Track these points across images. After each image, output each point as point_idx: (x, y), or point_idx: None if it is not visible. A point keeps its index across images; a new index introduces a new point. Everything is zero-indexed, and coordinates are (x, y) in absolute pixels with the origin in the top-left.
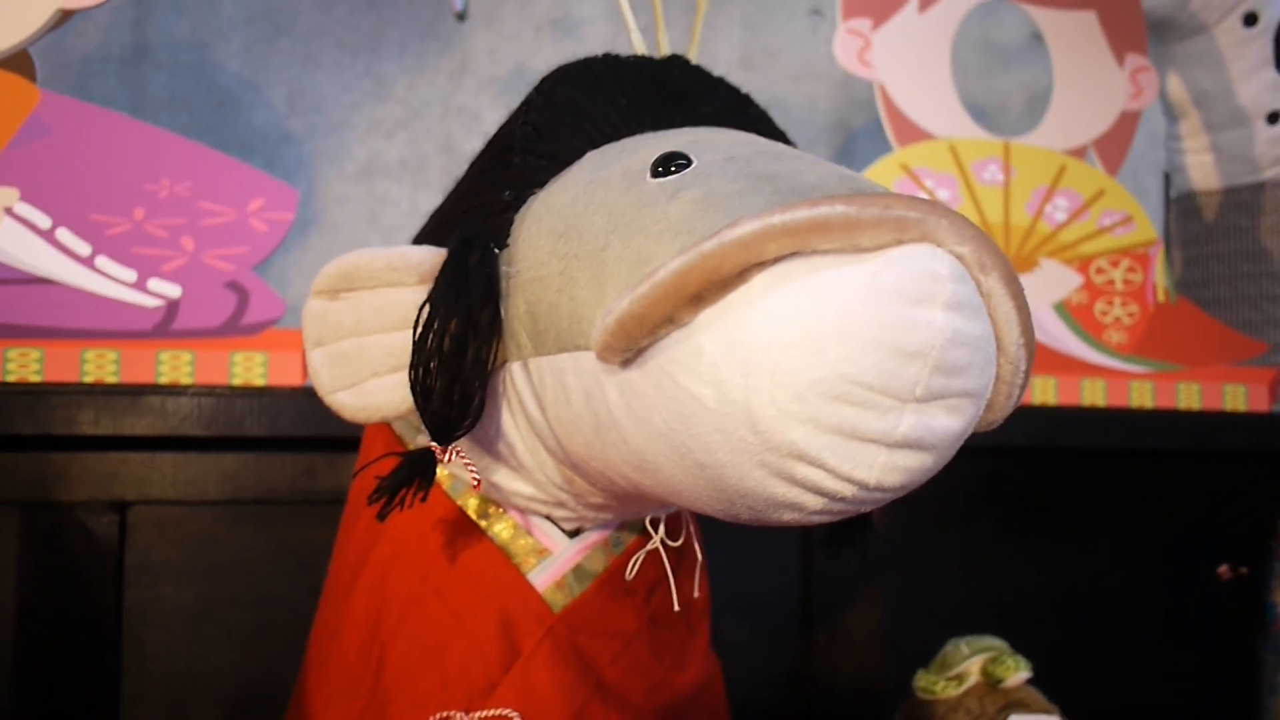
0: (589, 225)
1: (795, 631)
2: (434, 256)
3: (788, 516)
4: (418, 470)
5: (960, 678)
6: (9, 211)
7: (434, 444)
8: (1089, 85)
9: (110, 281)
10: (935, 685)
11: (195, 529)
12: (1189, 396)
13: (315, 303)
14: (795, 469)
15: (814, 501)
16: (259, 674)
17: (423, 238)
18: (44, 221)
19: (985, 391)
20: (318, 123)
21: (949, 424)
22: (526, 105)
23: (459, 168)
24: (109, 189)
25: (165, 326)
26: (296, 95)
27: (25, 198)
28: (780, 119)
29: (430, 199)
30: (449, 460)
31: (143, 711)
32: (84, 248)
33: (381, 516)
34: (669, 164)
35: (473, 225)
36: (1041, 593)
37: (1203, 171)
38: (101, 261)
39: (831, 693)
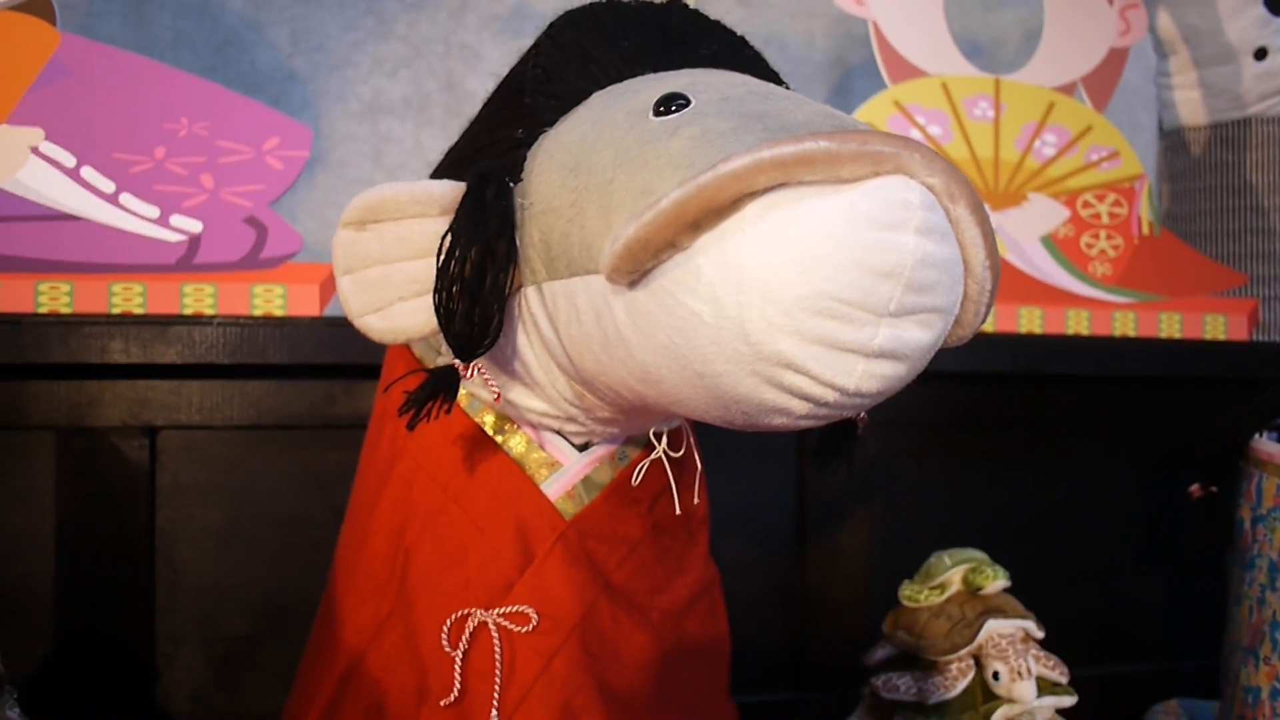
0: (597, 160)
1: (789, 549)
2: (454, 190)
3: (777, 421)
4: (442, 386)
5: (942, 586)
6: (35, 151)
7: (457, 362)
8: (1079, 22)
9: (134, 218)
10: (919, 594)
11: (221, 452)
12: (1170, 326)
13: (344, 233)
14: (783, 376)
15: (800, 406)
16: (283, 588)
17: (439, 173)
18: (69, 160)
19: (953, 308)
20: (321, 61)
21: (920, 336)
22: (536, 49)
23: (462, 105)
24: (130, 128)
25: (188, 260)
26: (299, 34)
27: (50, 137)
28: (777, 57)
29: (433, 136)
30: (470, 377)
31: (176, 624)
32: (108, 185)
33: (411, 427)
34: (669, 104)
35: (488, 162)
36: (1025, 513)
37: (1190, 107)
38: (125, 198)
39: (823, 605)
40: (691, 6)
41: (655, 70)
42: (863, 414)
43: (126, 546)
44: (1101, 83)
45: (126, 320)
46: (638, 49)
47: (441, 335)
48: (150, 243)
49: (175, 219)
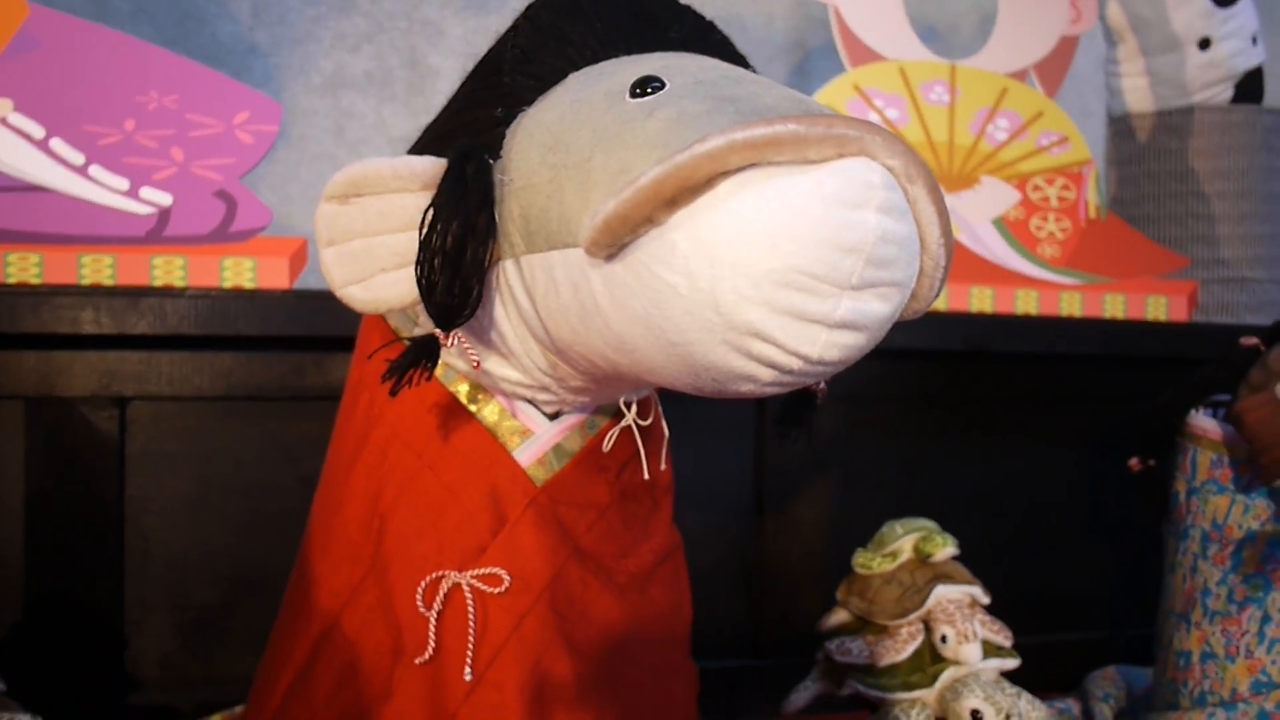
0: (575, 139)
1: (748, 520)
2: (435, 166)
3: (745, 388)
4: (423, 354)
5: (894, 554)
6: (3, 122)
7: (437, 331)
8: (1032, 10)
9: (103, 190)
10: (872, 561)
11: (191, 423)
12: (1115, 306)
13: (327, 207)
14: (752, 345)
15: (767, 374)
16: (252, 556)
17: (419, 149)
18: (38, 131)
19: (910, 282)
20: (283, 35)
21: (879, 309)
22: (514, 30)
23: (424, 81)
24: (100, 101)
25: (158, 233)
26: (261, 7)
27: (19, 108)
28: (737, 37)
29: (395, 112)
30: (450, 346)
31: (145, 591)
32: (77, 157)
33: (393, 393)
34: (645, 86)
35: (468, 139)
36: (975, 486)
37: (1137, 95)
38: (95, 170)
39: (781, 575)
40: None
41: (629, 52)
42: (822, 385)
43: (96, 515)
44: (1053, 69)
45: (98, 291)
46: (612, 31)
47: (421, 306)
48: (120, 215)
49: (145, 191)
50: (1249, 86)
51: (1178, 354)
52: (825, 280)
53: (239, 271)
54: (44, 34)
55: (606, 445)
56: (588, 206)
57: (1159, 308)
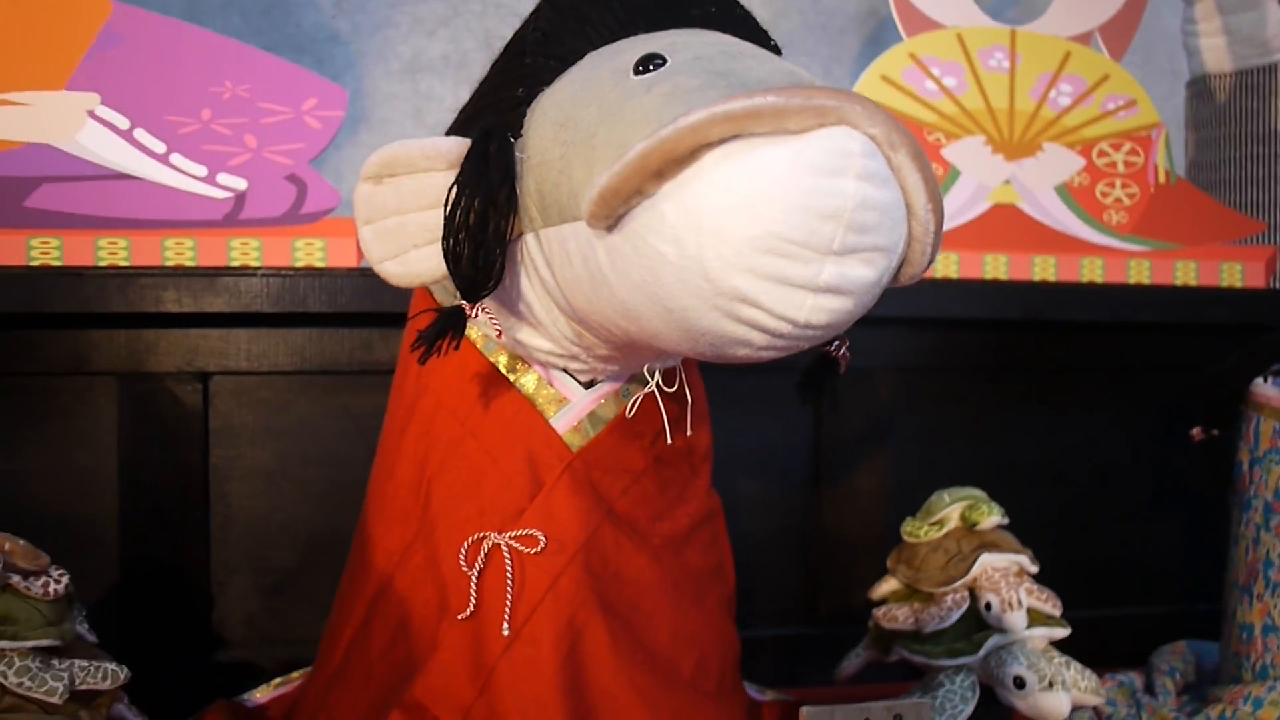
0: (583, 116)
1: (805, 490)
2: (460, 145)
3: (741, 351)
4: (450, 324)
5: (941, 522)
6: (92, 114)
7: (464, 302)
8: None
9: (184, 176)
10: (920, 530)
11: (267, 396)
12: (1186, 273)
13: (363, 187)
14: (740, 310)
15: (759, 338)
16: (326, 522)
17: (453, 130)
18: (123, 123)
19: (896, 247)
20: (363, 22)
21: (864, 273)
22: (536, 13)
23: None
24: (179, 92)
25: (234, 216)
26: None
27: (106, 101)
28: (810, 8)
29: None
30: (475, 317)
31: (228, 554)
32: (159, 146)
33: (422, 361)
34: (648, 63)
35: (492, 119)
36: (1037, 457)
37: (1215, 54)
38: (176, 158)
39: (838, 545)
40: None
41: (647, 30)
42: (844, 351)
43: (183, 484)
44: (1120, 31)
45: (179, 272)
46: (631, 11)
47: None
48: (199, 199)
49: (222, 177)
50: None
51: (1251, 321)
52: (806, 246)
53: (310, 251)
54: (126, 31)
55: (630, 411)
56: (592, 180)
57: (1234, 274)
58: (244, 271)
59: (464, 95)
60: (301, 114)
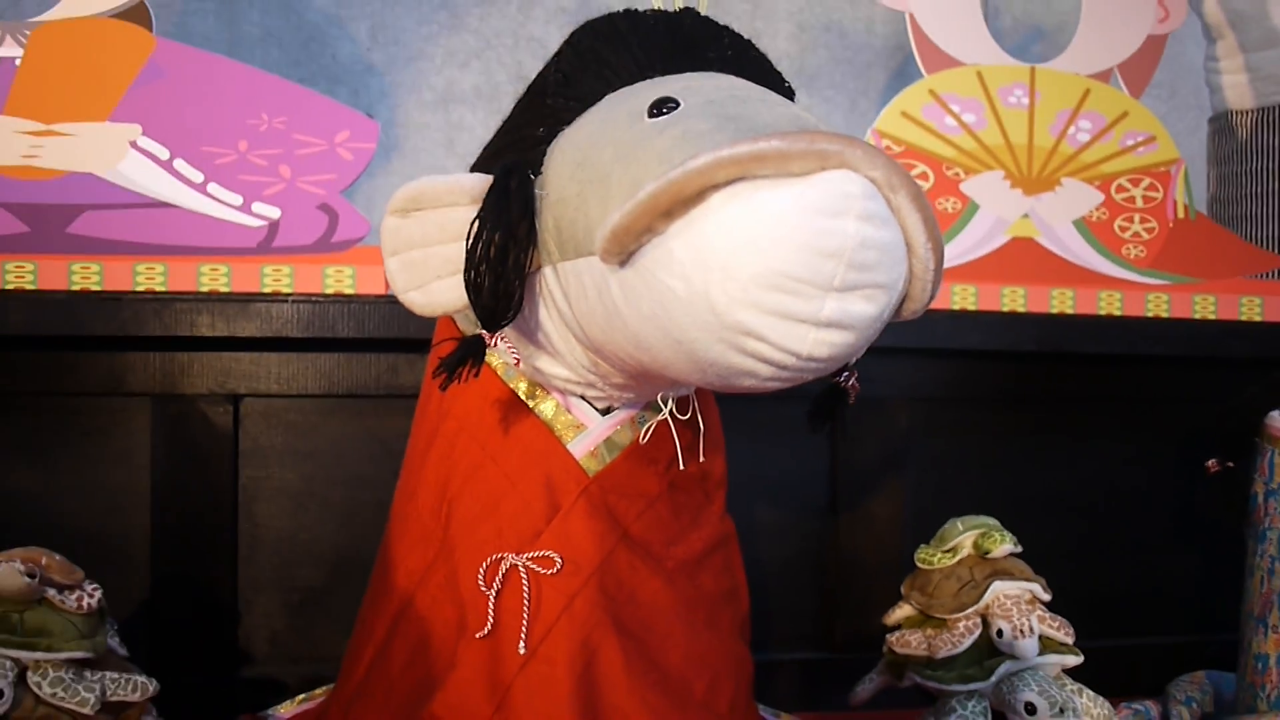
0: (599, 156)
1: (823, 517)
2: (482, 182)
3: (747, 382)
4: (470, 352)
5: (954, 550)
6: (133, 145)
7: (483, 331)
8: (1116, 9)
9: (220, 205)
10: (933, 557)
11: (296, 418)
12: (1205, 307)
13: (390, 220)
14: (745, 343)
15: (764, 369)
16: (351, 542)
17: (479, 165)
18: (163, 153)
19: (896, 284)
20: (397, 54)
21: (865, 309)
22: (558, 55)
23: None
24: (217, 124)
25: (267, 244)
26: (378, 28)
27: (147, 132)
28: (837, 44)
29: None
30: (495, 345)
31: (256, 573)
32: (197, 175)
33: (443, 388)
34: (662, 106)
35: (513, 156)
36: (1052, 487)
37: (1237, 91)
38: (213, 187)
39: (854, 571)
40: (703, 13)
41: (665, 73)
42: (853, 382)
43: (213, 503)
44: (1139, 69)
45: (213, 298)
46: (649, 54)
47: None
48: (234, 227)
49: (256, 206)
50: None
51: (1270, 355)
52: (808, 283)
53: (340, 278)
54: (168, 65)
55: (644, 438)
56: (606, 218)
57: (1253, 308)
58: (275, 298)
59: (495, 126)
60: (335, 145)
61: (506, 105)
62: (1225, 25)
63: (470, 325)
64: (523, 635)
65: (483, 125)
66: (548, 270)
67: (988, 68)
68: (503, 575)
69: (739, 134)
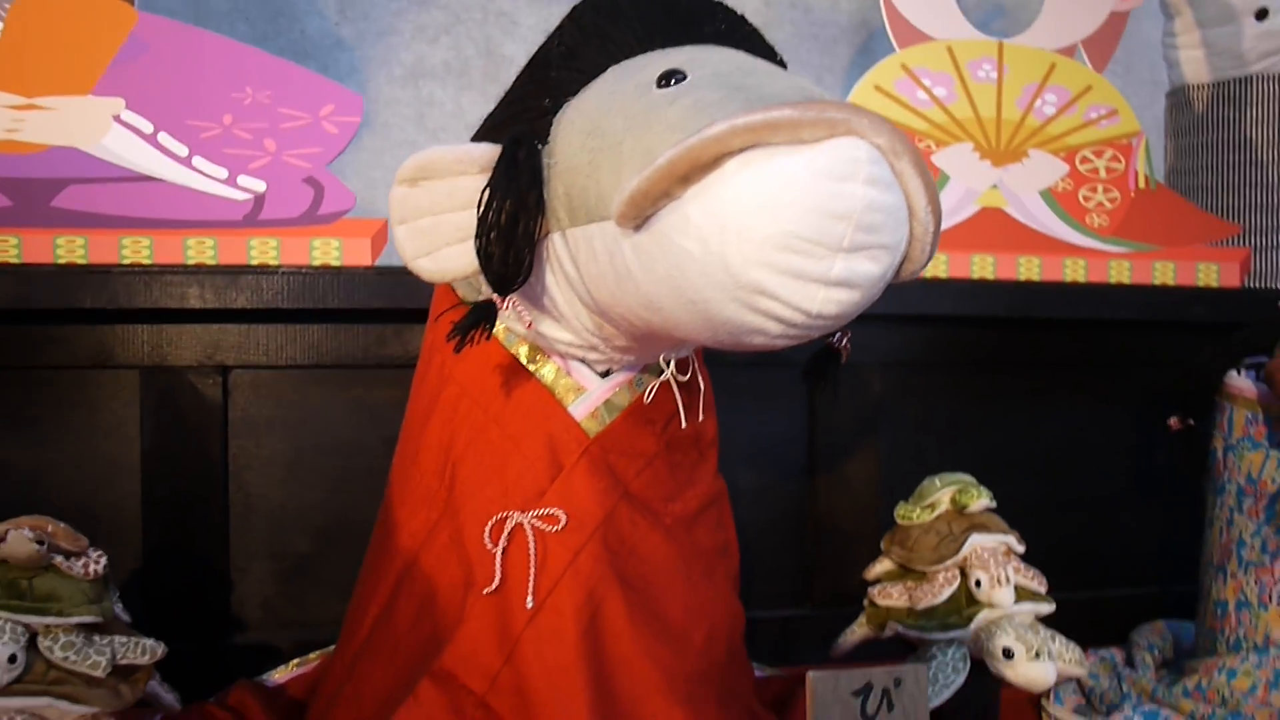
0: (610, 126)
1: (801, 479)
2: (491, 151)
3: (757, 340)
4: (482, 316)
5: (933, 506)
6: (117, 119)
7: (495, 296)
8: None
9: (205, 178)
10: (912, 513)
11: (285, 389)
12: (1165, 274)
13: (398, 189)
14: (758, 301)
15: (774, 327)
16: (341, 509)
17: (479, 137)
18: (147, 127)
19: (900, 245)
20: (367, 29)
21: (871, 269)
22: (560, 29)
23: (499, 70)
24: (201, 98)
25: (253, 216)
26: (346, 3)
27: (130, 106)
28: (802, 19)
29: (473, 100)
30: (506, 309)
31: (247, 540)
32: (182, 149)
33: (457, 350)
34: (670, 78)
35: (520, 127)
36: (1021, 448)
37: (1194, 66)
38: (198, 161)
39: (832, 531)
40: None
41: (664, 47)
42: (845, 343)
43: (203, 473)
44: (1102, 44)
45: (202, 270)
46: (648, 28)
47: (481, 275)
48: (220, 201)
49: (242, 179)
50: None
51: (1226, 318)
52: (819, 243)
53: (326, 251)
54: (151, 39)
55: (647, 398)
56: (619, 184)
57: (1210, 274)
58: (265, 270)
59: (465, 101)
60: (319, 119)
61: (477, 80)
62: (1183, 2)
63: (471, 292)
64: (530, 589)
65: (453, 100)
66: (556, 236)
67: (958, 42)
68: (509, 533)
69: (748, 104)
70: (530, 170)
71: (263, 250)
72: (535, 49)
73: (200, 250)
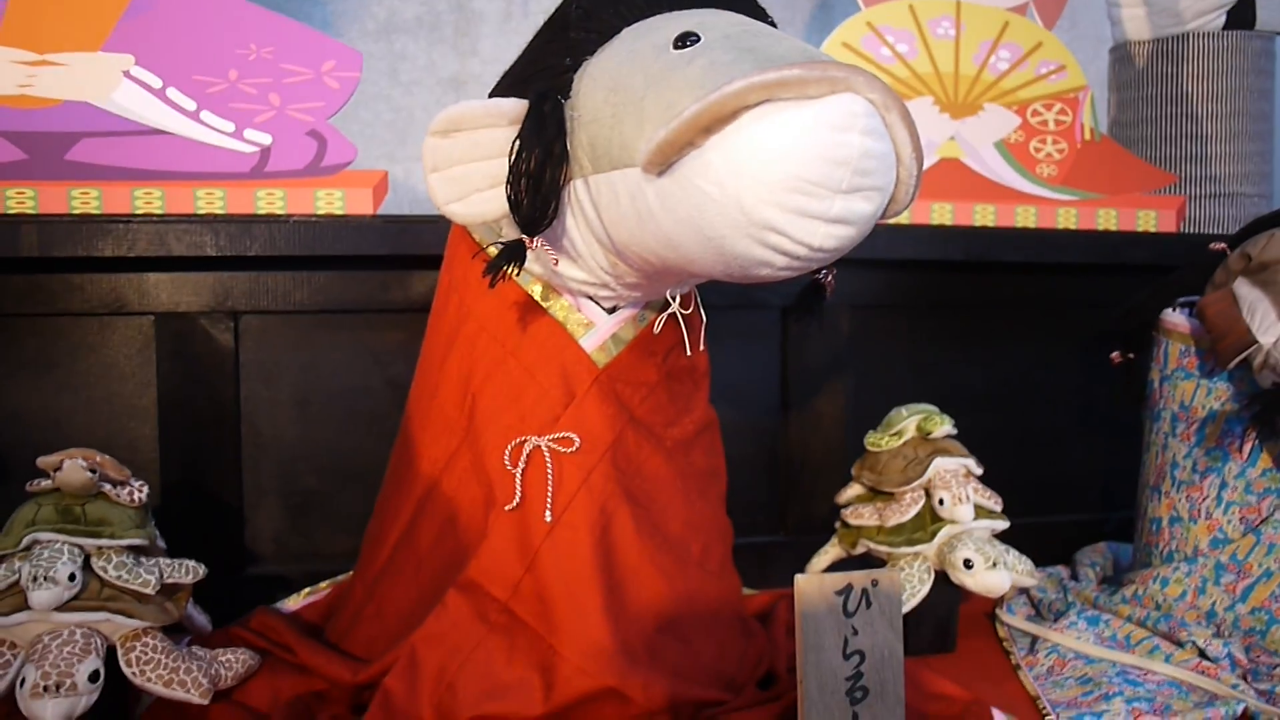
0: (631, 82)
1: (775, 415)
2: (519, 106)
3: (764, 272)
4: (513, 254)
5: (900, 433)
6: (127, 74)
7: (524, 237)
8: None
9: (213, 132)
10: (881, 440)
11: (294, 334)
12: (1108, 220)
13: (431, 140)
14: (768, 237)
15: (780, 260)
16: (347, 447)
17: (499, 91)
18: (155, 82)
19: (889, 187)
20: None
21: (865, 208)
22: None
23: (470, 24)
24: (208, 54)
25: (260, 169)
26: None
27: (139, 62)
28: None
29: (444, 54)
30: (535, 248)
31: (259, 479)
32: (190, 103)
33: (492, 285)
34: (685, 40)
35: (543, 83)
36: (977, 384)
37: (1136, 24)
38: (205, 115)
39: (803, 463)
40: None
41: (670, 9)
42: (830, 279)
43: (216, 415)
44: (1051, 3)
45: (216, 219)
46: None
47: (505, 219)
48: (228, 153)
49: (248, 133)
50: (1240, 14)
51: (1163, 262)
52: (823, 186)
53: (330, 201)
54: None
55: (657, 328)
56: (643, 135)
57: (1149, 221)
58: (276, 219)
59: (436, 55)
60: (321, 75)
61: (448, 35)
62: None
63: (489, 235)
64: (548, 505)
65: (425, 54)
66: (578, 183)
67: (919, 1)
68: (527, 455)
69: (758, 64)
70: (556, 122)
71: (269, 201)
72: (513, 3)
73: (210, 201)
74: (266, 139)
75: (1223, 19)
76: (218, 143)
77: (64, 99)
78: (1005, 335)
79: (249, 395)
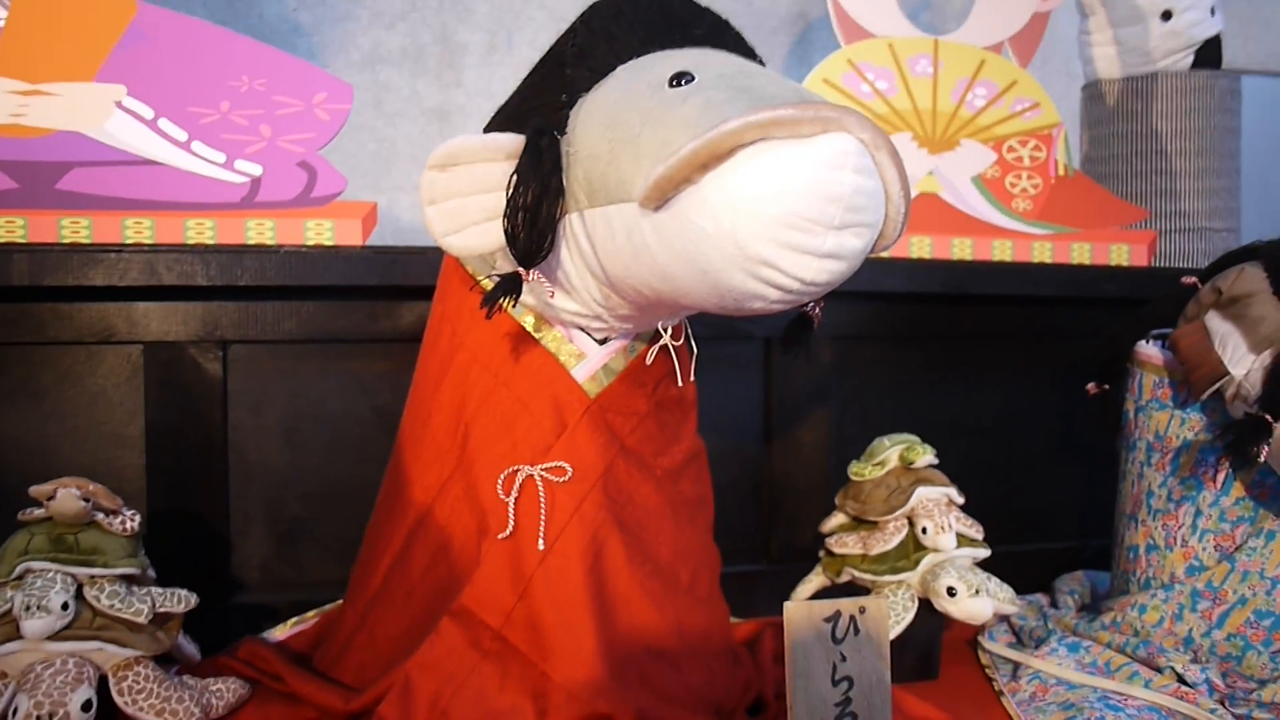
0: (627, 119)
1: (758, 444)
2: (515, 141)
3: (757, 305)
4: (509, 287)
5: (883, 463)
6: (119, 105)
7: (520, 269)
8: None
9: (204, 162)
10: (864, 470)
11: (282, 363)
12: (1081, 254)
13: (429, 174)
14: (762, 271)
15: (773, 293)
16: (336, 476)
17: (493, 127)
18: (148, 113)
19: (878, 223)
20: (324, 15)
21: (855, 243)
22: (573, 32)
23: (454, 56)
24: (200, 85)
25: (250, 199)
26: None
27: (132, 93)
28: (743, 11)
29: (428, 85)
30: (530, 280)
31: (246, 507)
32: (181, 134)
33: (489, 316)
34: (680, 79)
35: (540, 119)
36: (956, 414)
37: (1106, 62)
38: (197, 146)
39: (787, 492)
40: None
41: (663, 48)
42: (817, 311)
43: (204, 442)
44: (1026, 42)
45: (206, 249)
46: (649, 31)
47: (499, 252)
48: (218, 184)
49: (239, 163)
50: (1208, 53)
51: (1135, 295)
52: (816, 222)
53: (320, 232)
54: (150, 28)
55: (649, 359)
56: (639, 171)
57: (1121, 255)
58: (266, 249)
59: (420, 86)
60: (312, 106)
61: (432, 66)
62: (1097, 3)
63: (483, 268)
64: (541, 534)
65: (409, 85)
66: (574, 216)
67: (898, 39)
68: (519, 484)
69: (753, 103)
70: (553, 157)
71: (259, 231)
72: (496, 35)
73: (200, 231)
74: (257, 170)
75: (1191, 58)
76: (208, 173)
77: (56, 129)
78: (984, 366)
79: (236, 424)
